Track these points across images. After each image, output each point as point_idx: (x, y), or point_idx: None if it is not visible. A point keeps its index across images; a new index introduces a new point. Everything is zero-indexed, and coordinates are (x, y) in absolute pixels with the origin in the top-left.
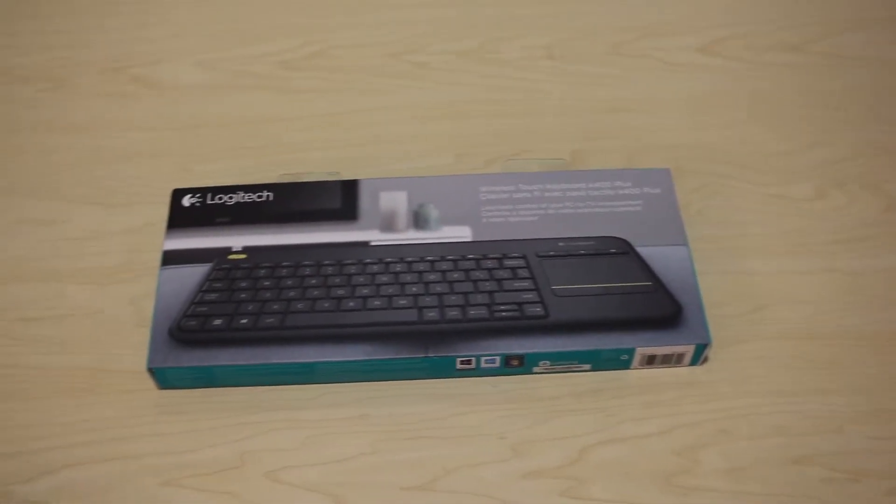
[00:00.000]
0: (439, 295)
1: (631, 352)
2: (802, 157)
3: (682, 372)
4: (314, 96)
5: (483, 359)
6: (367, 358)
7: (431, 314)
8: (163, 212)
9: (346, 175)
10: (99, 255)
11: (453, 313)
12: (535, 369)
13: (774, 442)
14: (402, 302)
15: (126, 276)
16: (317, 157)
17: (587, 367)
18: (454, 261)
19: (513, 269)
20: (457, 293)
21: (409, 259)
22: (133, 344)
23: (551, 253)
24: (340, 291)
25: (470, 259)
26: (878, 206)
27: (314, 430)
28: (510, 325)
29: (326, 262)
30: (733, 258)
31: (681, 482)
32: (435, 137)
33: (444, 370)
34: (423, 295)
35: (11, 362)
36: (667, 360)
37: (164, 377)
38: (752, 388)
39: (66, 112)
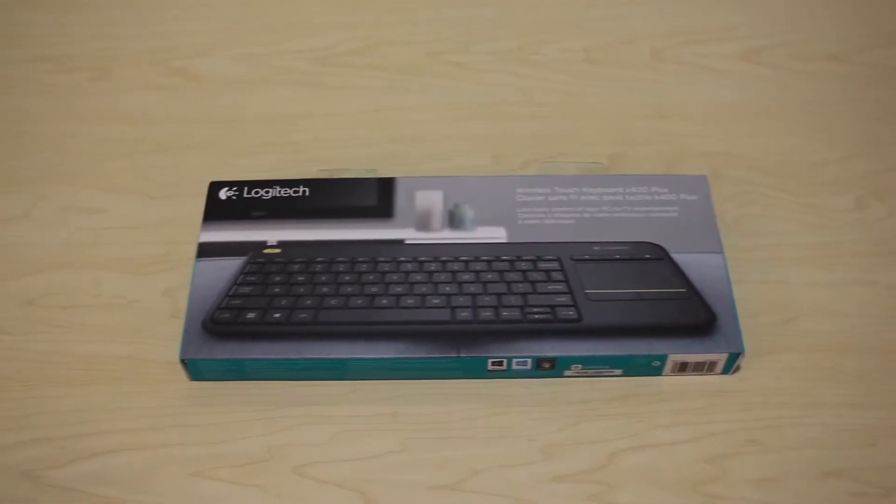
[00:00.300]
0: (472, 295)
1: (663, 358)
2: (842, 168)
3: (713, 380)
4: (353, 93)
5: (514, 360)
6: (398, 356)
7: (464, 314)
8: (200, 204)
9: (383, 173)
10: (137, 245)
11: (486, 314)
12: (567, 373)
13: (805, 454)
14: (435, 301)
15: (162, 266)
16: (353, 154)
17: (619, 372)
18: (488, 261)
19: (547, 271)
20: (490, 294)
21: (444, 258)
22: (167, 335)
23: (586, 257)
24: (374, 289)
25: (504, 260)
26: None
27: (343, 426)
28: (543, 328)
29: (360, 259)
30: (769, 268)
31: (709, 490)
32: (472, 138)
33: (476, 371)
34: (456, 295)
35: (50, 349)
36: (699, 368)
37: (196, 369)
38: (783, 399)
39: (109, 102)
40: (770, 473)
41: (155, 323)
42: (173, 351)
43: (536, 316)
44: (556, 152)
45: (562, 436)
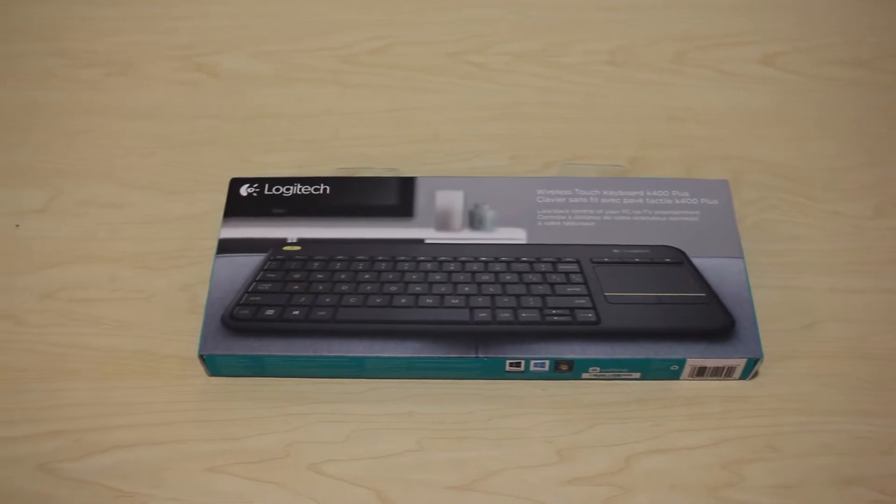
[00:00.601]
0: (491, 296)
1: (681, 363)
2: (863, 175)
3: (731, 385)
4: (373, 92)
5: (532, 362)
6: (416, 355)
7: (483, 315)
8: (220, 200)
9: (403, 172)
10: (155, 241)
11: (505, 315)
12: (585, 375)
13: (823, 461)
14: (454, 301)
15: (180, 262)
16: (373, 152)
17: (636, 375)
18: (508, 263)
19: (566, 273)
20: (509, 295)
21: (463, 259)
22: (184, 330)
23: (606, 259)
24: (393, 288)
25: (524, 262)
26: None
27: (360, 424)
28: (561, 330)
29: (380, 257)
30: (788, 273)
31: (725, 496)
32: (491, 138)
33: (493, 371)
34: (475, 295)
35: (68, 342)
36: (717, 373)
37: (214, 364)
38: (802, 406)
39: (130, 97)
40: (787, 480)
41: (172, 318)
42: (190, 346)
43: (555, 318)
44: (575, 154)
45: (578, 438)
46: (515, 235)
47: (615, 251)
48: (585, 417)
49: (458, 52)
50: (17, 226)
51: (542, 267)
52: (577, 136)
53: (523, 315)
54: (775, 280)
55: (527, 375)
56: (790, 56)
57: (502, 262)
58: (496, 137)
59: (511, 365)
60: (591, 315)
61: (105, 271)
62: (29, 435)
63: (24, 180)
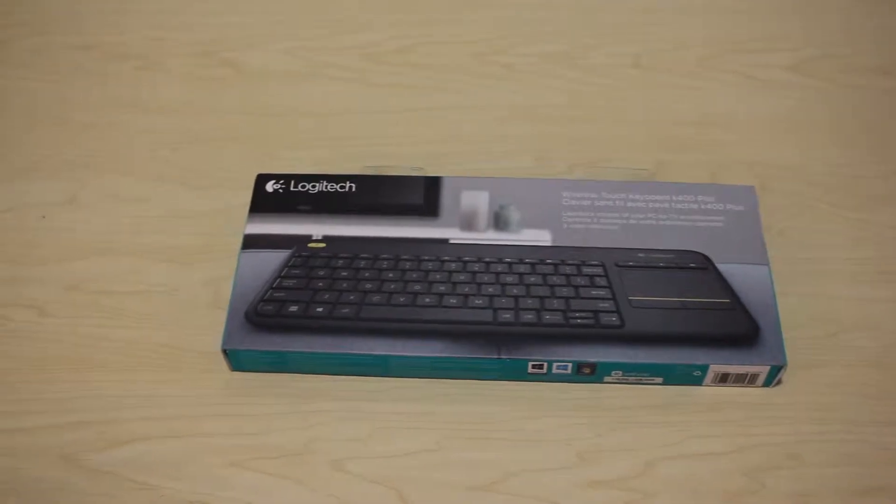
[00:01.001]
0: (515, 297)
1: (704, 368)
2: (891, 183)
3: (754, 392)
4: (399, 91)
5: (555, 364)
6: (439, 355)
7: (506, 316)
8: (245, 196)
9: (429, 171)
10: (180, 235)
11: (528, 317)
12: (607, 379)
13: (844, 471)
14: (478, 302)
15: (204, 257)
16: (397, 151)
17: (659, 380)
18: (532, 264)
19: (591, 276)
20: (533, 297)
21: (488, 259)
22: (207, 324)
23: (630, 263)
24: (417, 287)
25: (548, 264)
26: None
27: (381, 422)
28: (585, 333)
29: (404, 256)
30: (814, 281)
31: (746, 503)
32: (515, 139)
33: (516, 373)
34: (498, 296)
35: (93, 333)
36: (740, 380)
37: (237, 359)
38: (824, 415)
39: (157, 92)
40: (807, 488)
41: (196, 312)
42: (214, 341)
43: (579, 321)
44: (599, 157)
45: (599, 441)
46: (540, 237)
47: (640, 255)
48: (606, 421)
49: (483, 52)
50: (44, 217)
51: (567, 269)
52: (602, 139)
53: (547, 317)
54: (801, 287)
55: (549, 378)
56: (817, 63)
57: (526, 263)
58: (518, 138)
59: (533, 367)
60: (614, 319)
61: (129, 264)
62: (53, 425)
63: (50, 173)
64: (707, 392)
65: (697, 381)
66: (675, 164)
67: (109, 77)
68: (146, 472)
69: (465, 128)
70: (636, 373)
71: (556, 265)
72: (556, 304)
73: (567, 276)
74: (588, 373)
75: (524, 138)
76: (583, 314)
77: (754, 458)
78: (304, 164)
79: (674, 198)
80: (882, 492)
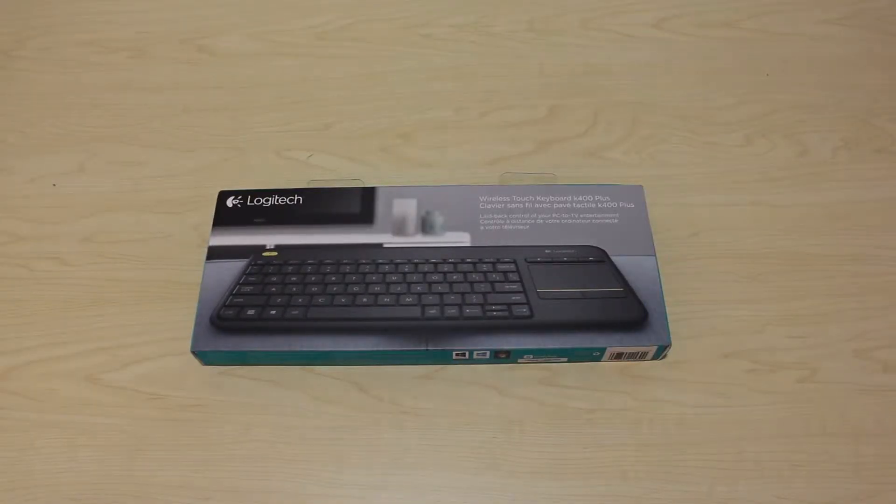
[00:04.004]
0: (440, 294)
1: (602, 350)
2: (736, 112)
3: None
4: (343, 61)
5: (475, 352)
6: (375, 349)
7: (432, 311)
8: (221, 156)
9: (367, 181)
10: (171, 190)
11: (451, 311)
12: (520, 360)
13: (710, 340)
14: (408, 300)
15: (191, 206)
16: (346, 109)
17: (564, 359)
18: (454, 263)
19: (504, 272)
20: (455, 293)
21: (416, 261)
22: (196, 261)
23: (538, 259)
24: (356, 288)
25: (468, 262)
26: (794, 151)
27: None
28: (500, 324)
29: (345, 260)
30: (677, 192)
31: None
32: (438, 94)
33: (442, 359)
34: (426, 294)
35: (105, 276)
36: (632, 357)
37: (206, 357)
38: (691, 297)
39: (146, 75)
40: (680, 357)
41: (187, 252)
42: (198, 275)
43: (495, 313)
44: (505, 104)
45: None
46: (461, 239)
47: (546, 251)
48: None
49: (410, 26)
50: (54, 185)
51: (484, 267)
52: (508, 90)
53: (467, 311)
54: (667, 198)
55: (470, 361)
56: (676, 20)
57: (449, 263)
58: (441, 94)
59: (457, 355)
60: (525, 310)
61: (132, 217)
62: (77, 353)
63: (62, 146)
64: (605, 365)
65: (597, 359)
66: (566, 108)
67: (108, 66)
68: (155, 384)
69: (398, 88)
70: (545, 356)
71: (474, 263)
72: (475, 298)
73: (484, 272)
74: (504, 357)
75: (445, 93)
76: (498, 307)
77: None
78: (269, 126)
79: (574, 198)
80: (739, 355)
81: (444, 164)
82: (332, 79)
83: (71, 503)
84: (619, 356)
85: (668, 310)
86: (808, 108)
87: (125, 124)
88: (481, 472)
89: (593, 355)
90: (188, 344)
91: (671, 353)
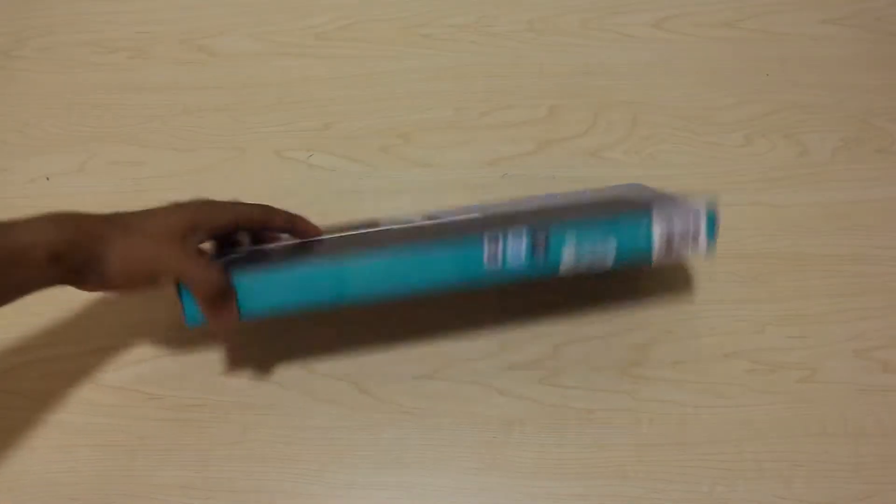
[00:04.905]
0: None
1: (650, 238)
2: (735, 112)
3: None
4: (343, 61)
5: (510, 248)
6: (398, 256)
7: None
8: (223, 156)
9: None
10: (171, 191)
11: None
12: (562, 265)
13: (710, 340)
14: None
15: None
16: (344, 108)
17: (611, 255)
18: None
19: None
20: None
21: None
22: None
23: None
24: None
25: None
26: (794, 151)
27: None
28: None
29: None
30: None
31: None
32: (437, 94)
33: (471, 266)
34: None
35: None
36: (683, 240)
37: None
38: (692, 297)
39: (147, 75)
40: (683, 357)
41: None
42: None
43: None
44: (505, 104)
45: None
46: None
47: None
48: None
49: (410, 26)
50: (48, 178)
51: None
52: (508, 90)
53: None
54: None
55: (504, 273)
56: (676, 20)
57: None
58: (441, 94)
59: (488, 258)
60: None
61: None
62: (77, 352)
63: (63, 146)
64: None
65: (647, 257)
66: (566, 107)
67: (107, 66)
68: (154, 385)
69: (398, 88)
70: (590, 246)
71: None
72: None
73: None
74: (542, 255)
75: (445, 93)
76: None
77: (640, 336)
78: (267, 126)
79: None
80: (739, 355)
81: (444, 164)
82: (332, 79)
83: (70, 503)
84: (668, 245)
85: (667, 310)
86: (807, 108)
87: (125, 124)
88: (482, 472)
89: (642, 247)
90: (188, 344)
91: (671, 354)
